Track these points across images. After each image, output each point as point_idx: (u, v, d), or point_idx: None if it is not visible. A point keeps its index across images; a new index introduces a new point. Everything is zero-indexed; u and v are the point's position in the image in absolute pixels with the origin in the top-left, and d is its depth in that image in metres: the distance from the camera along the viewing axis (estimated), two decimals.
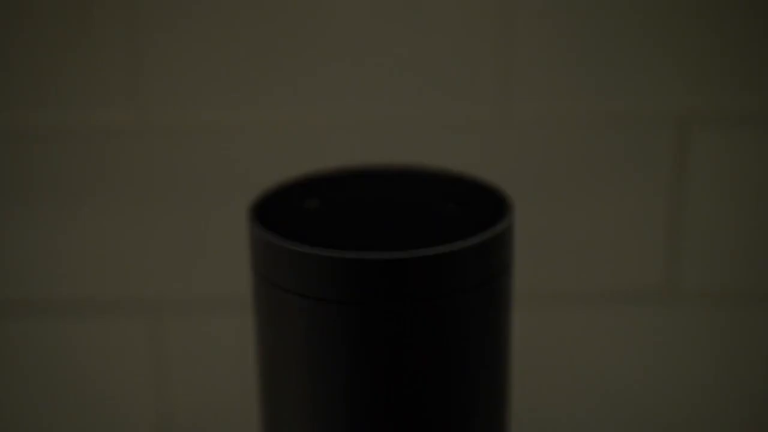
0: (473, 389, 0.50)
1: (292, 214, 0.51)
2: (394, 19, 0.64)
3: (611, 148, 0.67)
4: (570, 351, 0.72)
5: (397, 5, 0.64)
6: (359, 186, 0.55)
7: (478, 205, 0.52)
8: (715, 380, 0.73)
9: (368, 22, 0.64)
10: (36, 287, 0.69)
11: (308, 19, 0.64)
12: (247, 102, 0.66)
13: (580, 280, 0.70)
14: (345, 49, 0.65)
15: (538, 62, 0.65)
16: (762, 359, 0.72)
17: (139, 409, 0.72)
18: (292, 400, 0.50)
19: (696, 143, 0.67)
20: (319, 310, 0.47)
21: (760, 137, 0.67)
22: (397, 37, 0.65)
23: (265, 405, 0.52)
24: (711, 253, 0.70)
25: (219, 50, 0.64)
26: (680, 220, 0.69)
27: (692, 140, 0.67)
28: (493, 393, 0.51)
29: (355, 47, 0.65)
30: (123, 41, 0.64)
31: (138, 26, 0.64)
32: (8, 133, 0.66)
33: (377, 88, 0.65)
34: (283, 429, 0.51)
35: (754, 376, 0.73)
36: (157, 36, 0.64)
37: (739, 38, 0.65)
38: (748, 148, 0.67)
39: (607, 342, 0.72)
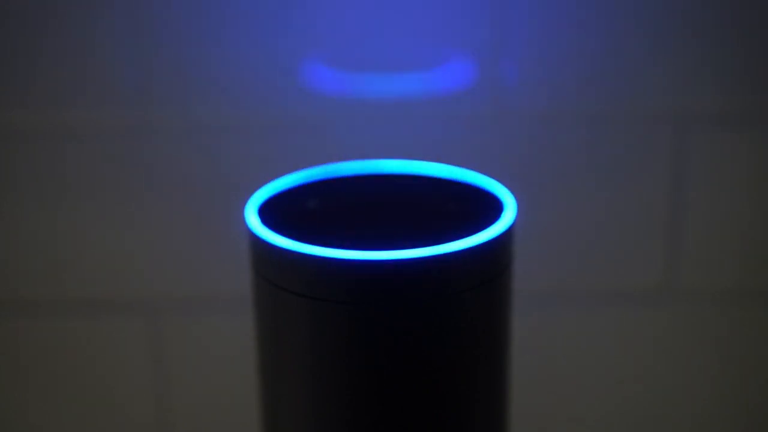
0: (473, 389, 0.50)
1: (292, 214, 0.51)
2: (392, 19, 0.64)
3: (611, 147, 0.67)
4: (570, 351, 0.72)
5: (397, 13, 0.64)
6: (359, 186, 0.55)
7: (478, 205, 0.52)
8: (715, 380, 0.73)
9: (367, 23, 0.64)
10: (36, 287, 0.69)
11: (307, 18, 0.64)
12: (247, 101, 0.65)
13: (579, 280, 0.70)
14: (344, 48, 0.65)
15: (537, 62, 0.65)
16: (762, 359, 0.72)
17: (139, 409, 0.72)
18: (292, 400, 0.50)
19: (696, 143, 0.67)
20: (318, 310, 0.47)
21: (759, 137, 0.67)
22: (394, 35, 0.65)
23: (265, 405, 0.52)
24: (711, 253, 0.69)
25: (219, 49, 0.64)
26: (680, 220, 0.69)
27: (692, 140, 0.67)
28: (493, 393, 0.51)
29: (355, 46, 0.65)
30: (127, 40, 0.64)
31: (143, 26, 0.64)
32: (8, 133, 0.66)
33: (377, 86, 0.65)
34: (284, 429, 0.51)
35: (754, 375, 0.73)
36: (161, 35, 0.64)
37: (739, 38, 0.65)
38: (748, 148, 0.67)
39: (607, 342, 0.72)
